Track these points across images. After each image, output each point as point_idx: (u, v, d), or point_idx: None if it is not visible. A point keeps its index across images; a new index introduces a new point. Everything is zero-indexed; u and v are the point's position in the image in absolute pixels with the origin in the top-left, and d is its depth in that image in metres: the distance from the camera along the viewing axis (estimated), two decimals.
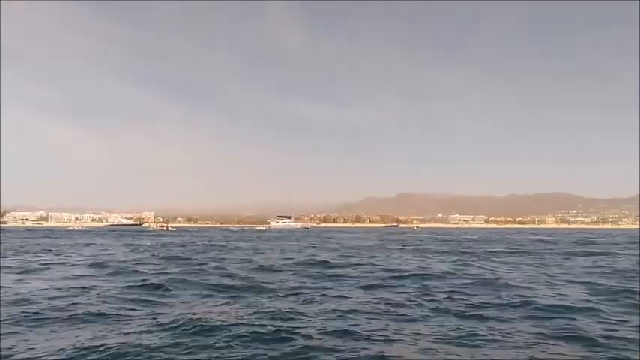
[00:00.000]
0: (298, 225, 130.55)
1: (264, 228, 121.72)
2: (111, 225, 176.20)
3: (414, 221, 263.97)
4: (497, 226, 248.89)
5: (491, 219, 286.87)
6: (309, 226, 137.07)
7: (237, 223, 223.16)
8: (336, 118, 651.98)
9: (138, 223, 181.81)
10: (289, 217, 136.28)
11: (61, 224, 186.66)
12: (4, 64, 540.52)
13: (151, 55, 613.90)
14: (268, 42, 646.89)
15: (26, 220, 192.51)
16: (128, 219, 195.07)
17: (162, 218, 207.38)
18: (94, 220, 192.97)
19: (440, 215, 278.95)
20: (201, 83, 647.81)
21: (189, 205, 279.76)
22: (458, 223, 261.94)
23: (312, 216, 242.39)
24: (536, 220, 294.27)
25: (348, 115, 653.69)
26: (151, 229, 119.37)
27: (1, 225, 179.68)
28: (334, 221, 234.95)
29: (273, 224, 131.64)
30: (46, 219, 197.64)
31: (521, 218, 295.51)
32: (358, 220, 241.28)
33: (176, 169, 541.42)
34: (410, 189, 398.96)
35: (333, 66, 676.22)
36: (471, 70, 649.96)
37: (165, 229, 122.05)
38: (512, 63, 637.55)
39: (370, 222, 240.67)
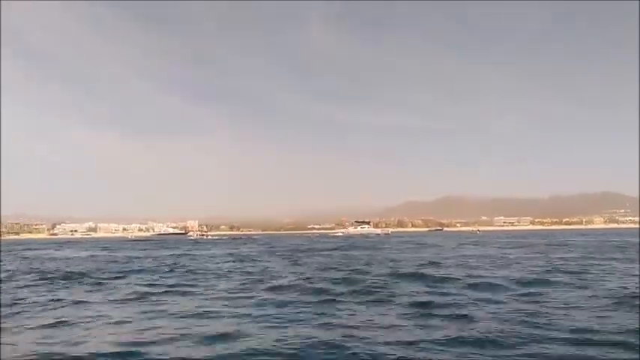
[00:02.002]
0: (378, 230, 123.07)
1: (341, 234, 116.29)
2: (157, 234, 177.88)
3: (457, 224, 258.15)
4: (544, 228, 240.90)
5: (537, 220, 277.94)
6: (389, 232, 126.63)
7: (279, 230, 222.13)
8: (373, 121, 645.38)
9: (183, 232, 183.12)
10: (368, 223, 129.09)
11: (109, 235, 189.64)
12: (53, 76, 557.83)
13: (193, 66, 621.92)
14: (304, 47, 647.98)
15: (75, 231, 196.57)
16: (173, 228, 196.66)
17: (206, 227, 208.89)
18: (140, 229, 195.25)
19: (484, 218, 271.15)
20: (238, 90, 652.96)
21: (229, 213, 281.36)
22: (503, 226, 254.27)
23: (353, 221, 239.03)
24: (584, 220, 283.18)
25: (385, 119, 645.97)
26: (192, 237, 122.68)
27: (54, 237, 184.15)
28: (376, 226, 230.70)
29: (351, 230, 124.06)
30: (94, 230, 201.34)
31: (567, 219, 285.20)
32: (400, 224, 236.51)
33: (217, 178, 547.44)
34: (450, 192, 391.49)
35: (370, 69, 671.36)
36: (510, 70, 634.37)
37: (205, 236, 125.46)
38: (552, 62, 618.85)
39: (412, 226, 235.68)
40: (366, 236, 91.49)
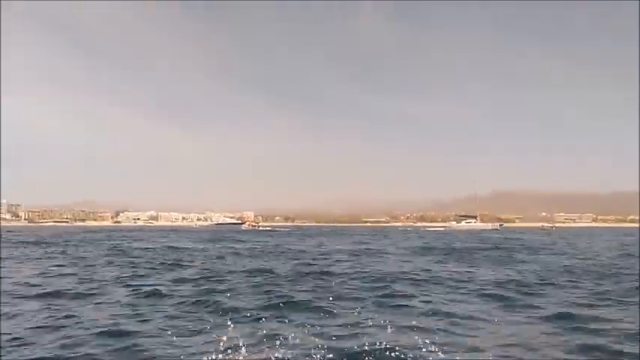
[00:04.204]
0: (489, 226, 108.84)
1: (442, 229, 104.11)
2: (215, 224, 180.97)
3: (515, 220, 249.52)
4: (608, 225, 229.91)
5: (599, 217, 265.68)
6: (499, 227, 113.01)
7: (332, 222, 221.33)
8: (426, 113, 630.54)
9: (240, 222, 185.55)
10: (475, 217, 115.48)
11: (169, 223, 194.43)
12: (101, 65, 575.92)
13: (251, 60, 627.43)
14: (356, 39, 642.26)
15: (138, 219, 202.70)
16: (230, 218, 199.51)
17: (261, 217, 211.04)
18: (199, 219, 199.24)
19: (543, 214, 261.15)
20: (294, 82, 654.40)
21: (284, 204, 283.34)
22: (564, 222, 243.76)
23: (409, 215, 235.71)
24: None
25: (439, 110, 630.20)
26: (243, 228, 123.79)
27: (118, 224, 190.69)
28: (432, 220, 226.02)
29: (454, 225, 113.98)
30: (156, 218, 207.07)
31: (632, 217, 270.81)
32: (456, 219, 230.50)
33: (273, 168, 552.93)
34: (506, 186, 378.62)
35: (422, 60, 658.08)
36: (569, 59, 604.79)
37: (257, 227, 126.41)
38: (614, 52, 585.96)
39: (454, 221, 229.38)
40: (479, 232, 79.18)
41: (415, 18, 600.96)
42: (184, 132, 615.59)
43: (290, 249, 29.36)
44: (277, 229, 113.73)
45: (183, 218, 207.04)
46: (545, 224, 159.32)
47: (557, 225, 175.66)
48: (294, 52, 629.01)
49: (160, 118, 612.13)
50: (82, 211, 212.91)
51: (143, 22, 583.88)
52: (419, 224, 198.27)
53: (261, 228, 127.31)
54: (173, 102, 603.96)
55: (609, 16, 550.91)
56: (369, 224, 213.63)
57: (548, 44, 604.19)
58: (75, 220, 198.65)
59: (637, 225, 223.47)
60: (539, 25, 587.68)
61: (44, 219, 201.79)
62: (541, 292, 11.78)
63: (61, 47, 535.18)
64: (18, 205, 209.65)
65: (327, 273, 15.36)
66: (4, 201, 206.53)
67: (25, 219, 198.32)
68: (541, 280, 14.09)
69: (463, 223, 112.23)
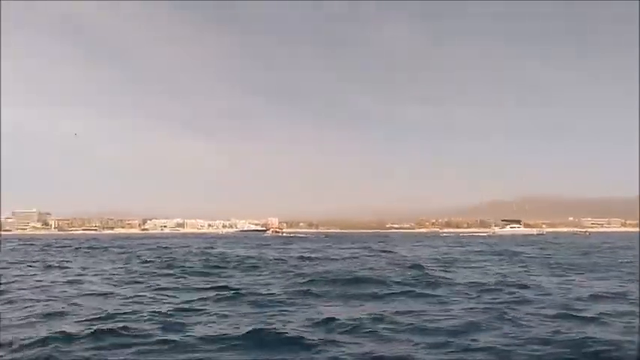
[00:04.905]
0: (534, 231, 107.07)
1: (485, 234, 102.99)
2: (240, 231, 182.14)
3: (543, 225, 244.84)
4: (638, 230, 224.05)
5: (628, 222, 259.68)
6: (544, 232, 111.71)
7: (357, 229, 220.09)
8: (449, 118, 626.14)
9: (264, 228, 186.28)
10: (519, 222, 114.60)
11: (195, 230, 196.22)
12: (126, 77, 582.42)
13: (269, 68, 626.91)
14: (368, 44, 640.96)
15: (165, 227, 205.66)
16: (255, 224, 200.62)
17: (285, 224, 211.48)
18: (224, 226, 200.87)
19: (571, 219, 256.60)
20: (308, 89, 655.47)
21: (308, 210, 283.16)
22: (592, 227, 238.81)
23: (434, 220, 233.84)
24: None
25: (461, 114, 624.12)
26: (267, 234, 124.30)
27: (146, 231, 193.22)
28: (457, 226, 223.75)
29: (497, 230, 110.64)
30: (182, 225, 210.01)
31: None
32: (483, 224, 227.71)
33: (296, 174, 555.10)
34: (534, 192, 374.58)
35: (443, 65, 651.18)
36: (589, 66, 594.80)
37: (280, 234, 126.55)
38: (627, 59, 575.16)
39: (496, 226, 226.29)
40: (525, 237, 78.27)
41: (426, 24, 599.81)
42: (209, 142, 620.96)
43: None
44: (300, 234, 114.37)
45: (209, 225, 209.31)
46: (577, 229, 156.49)
47: (588, 230, 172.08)
48: (316, 59, 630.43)
49: (184, 129, 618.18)
50: (111, 219, 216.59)
51: (160, 32, 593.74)
52: (445, 230, 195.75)
53: (284, 234, 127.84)
54: (197, 113, 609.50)
55: (619, 18, 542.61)
56: (393, 230, 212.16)
57: (564, 53, 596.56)
58: (103, 228, 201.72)
59: None
60: (552, 25, 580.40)
61: (73, 227, 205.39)
62: None
63: (88, 59, 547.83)
64: (48, 214, 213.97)
65: None
66: (34, 210, 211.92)
67: (55, 227, 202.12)
68: None
69: (507, 227, 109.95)
